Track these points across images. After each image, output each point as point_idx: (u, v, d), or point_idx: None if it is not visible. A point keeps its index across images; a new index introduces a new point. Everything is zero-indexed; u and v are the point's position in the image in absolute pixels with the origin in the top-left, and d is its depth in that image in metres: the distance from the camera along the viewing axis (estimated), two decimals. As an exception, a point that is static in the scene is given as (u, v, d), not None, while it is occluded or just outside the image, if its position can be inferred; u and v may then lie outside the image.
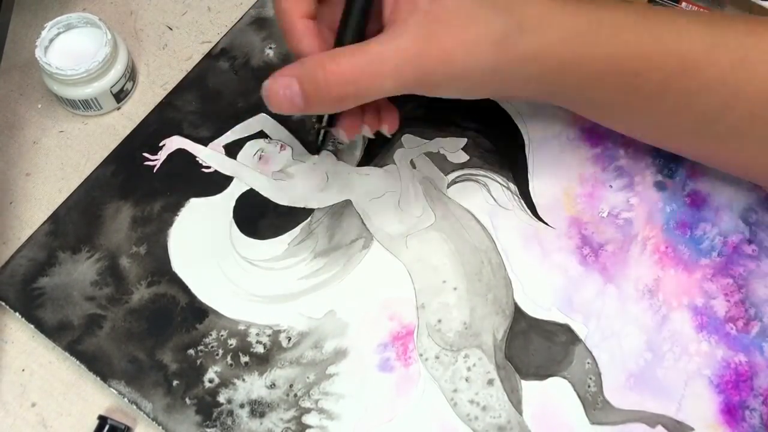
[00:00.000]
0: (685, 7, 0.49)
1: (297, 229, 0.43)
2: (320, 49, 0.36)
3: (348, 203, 0.44)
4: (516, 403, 0.39)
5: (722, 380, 0.40)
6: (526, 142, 0.46)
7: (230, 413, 0.38)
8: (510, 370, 0.40)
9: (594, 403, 0.39)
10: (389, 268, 0.42)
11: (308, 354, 0.40)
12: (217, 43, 0.49)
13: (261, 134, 0.46)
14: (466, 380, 0.39)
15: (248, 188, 0.44)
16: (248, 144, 0.46)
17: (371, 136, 0.40)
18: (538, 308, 0.41)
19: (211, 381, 0.39)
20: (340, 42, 0.36)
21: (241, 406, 0.39)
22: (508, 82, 0.37)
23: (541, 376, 0.40)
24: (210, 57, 0.49)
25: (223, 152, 0.45)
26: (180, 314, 0.41)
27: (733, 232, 0.43)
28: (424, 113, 0.46)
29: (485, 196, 0.44)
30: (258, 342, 0.40)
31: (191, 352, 0.40)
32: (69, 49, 0.46)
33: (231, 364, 0.40)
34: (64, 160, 0.46)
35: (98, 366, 0.39)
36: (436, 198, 0.44)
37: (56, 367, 0.40)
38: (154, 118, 0.46)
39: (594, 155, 0.46)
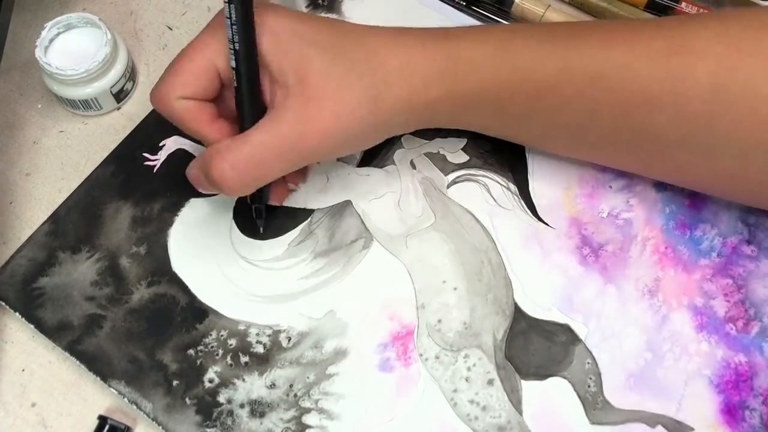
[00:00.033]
0: (684, 7, 0.49)
1: (297, 230, 0.43)
2: (219, 135, 0.37)
3: (348, 203, 0.44)
4: (516, 403, 0.39)
5: (722, 380, 0.40)
6: (526, 142, 0.46)
7: (230, 413, 0.38)
8: (510, 370, 0.40)
9: (594, 403, 0.39)
10: (389, 268, 0.42)
11: (308, 354, 0.40)
12: (217, 43, 0.49)
13: (261, 134, 0.46)
14: (466, 380, 0.39)
15: (248, 188, 0.44)
16: (248, 144, 0.46)
17: (296, 189, 0.43)
18: (538, 308, 0.41)
19: (211, 381, 0.39)
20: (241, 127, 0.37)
21: (241, 406, 0.39)
22: (390, 130, 0.39)
23: (541, 376, 0.40)
24: (210, 57, 0.49)
25: (223, 152, 0.45)
26: (180, 314, 0.41)
27: (732, 233, 0.44)
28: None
29: (485, 196, 0.44)
30: (258, 342, 0.40)
31: (191, 352, 0.40)
32: (69, 49, 0.45)
33: (231, 364, 0.40)
34: (64, 160, 0.46)
35: (98, 366, 0.39)
36: (436, 198, 0.44)
37: (56, 367, 0.40)
38: (154, 118, 0.46)
39: (594, 155, 0.46)
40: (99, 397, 0.40)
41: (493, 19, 0.50)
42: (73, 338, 0.40)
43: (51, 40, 0.45)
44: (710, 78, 0.35)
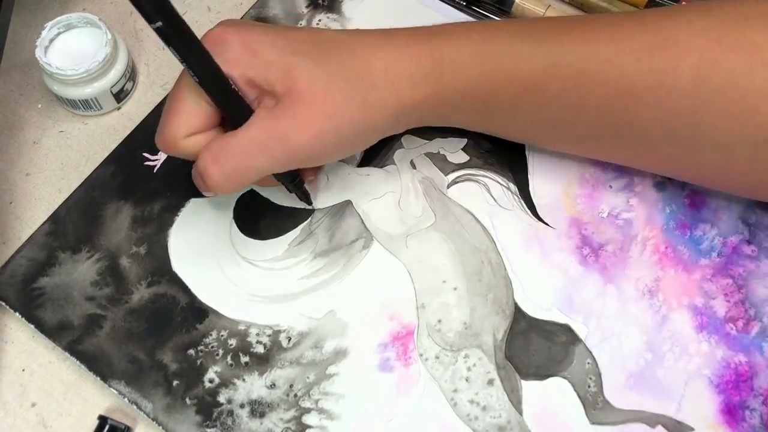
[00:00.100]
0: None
1: (297, 230, 0.43)
2: None
3: (348, 203, 0.44)
4: (516, 403, 0.39)
5: (722, 380, 0.40)
6: (526, 142, 0.46)
7: (230, 413, 0.38)
8: (510, 370, 0.40)
9: (594, 403, 0.39)
10: (389, 268, 0.42)
11: (308, 354, 0.40)
12: (217, 43, 0.49)
13: (261, 134, 0.46)
14: (466, 380, 0.39)
15: (248, 188, 0.44)
16: (248, 144, 0.46)
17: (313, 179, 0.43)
18: (538, 308, 0.41)
19: (211, 381, 0.39)
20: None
21: (241, 406, 0.39)
22: (380, 131, 0.39)
23: (541, 376, 0.40)
24: (210, 57, 0.49)
25: (223, 152, 0.45)
26: (180, 314, 0.41)
27: (733, 233, 0.44)
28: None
29: (485, 196, 0.44)
30: (258, 342, 0.40)
31: (191, 352, 0.40)
32: (69, 49, 0.45)
33: (231, 364, 0.40)
34: (64, 160, 0.46)
35: (98, 366, 0.39)
36: (436, 198, 0.44)
37: (56, 367, 0.40)
38: (154, 118, 0.46)
39: (594, 155, 0.46)
40: (99, 397, 0.40)
41: (494, 19, 0.50)
42: (73, 338, 0.40)
43: (51, 40, 0.45)
44: (693, 71, 0.35)
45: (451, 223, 0.43)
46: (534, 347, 0.40)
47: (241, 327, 0.40)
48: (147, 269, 0.42)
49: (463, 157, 0.45)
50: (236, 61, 0.35)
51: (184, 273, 0.42)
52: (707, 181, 0.42)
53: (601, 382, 0.40)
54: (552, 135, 0.41)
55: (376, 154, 0.45)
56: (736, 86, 0.35)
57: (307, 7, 0.51)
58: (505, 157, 0.45)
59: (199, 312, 0.41)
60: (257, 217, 0.43)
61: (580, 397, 0.39)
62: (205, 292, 0.41)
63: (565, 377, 0.40)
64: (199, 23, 0.51)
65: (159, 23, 0.31)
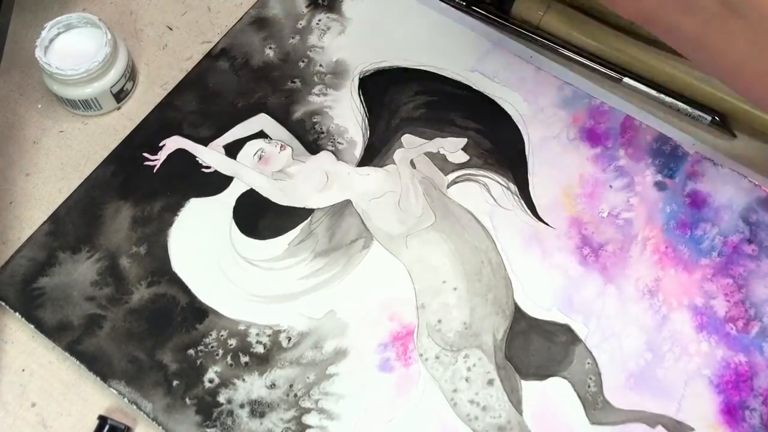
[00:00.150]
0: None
1: (297, 229, 0.43)
2: None
3: (348, 203, 0.44)
4: (516, 403, 0.39)
5: (722, 380, 0.40)
6: (526, 142, 0.46)
7: (230, 413, 0.38)
8: (510, 370, 0.40)
9: (594, 403, 0.39)
10: (389, 268, 0.42)
11: (308, 354, 0.40)
12: (217, 43, 0.49)
13: (261, 134, 0.46)
14: (466, 380, 0.39)
15: (248, 188, 0.44)
16: (248, 144, 0.46)
17: None
18: (538, 308, 0.41)
19: (211, 381, 0.39)
20: None
21: (241, 406, 0.39)
22: None
23: (541, 376, 0.40)
24: (210, 57, 0.49)
25: (223, 152, 0.45)
26: (180, 314, 0.41)
27: (733, 232, 0.44)
28: (424, 113, 0.46)
29: (485, 196, 0.44)
30: (258, 342, 0.40)
31: (191, 352, 0.40)
32: (69, 49, 0.45)
33: (231, 364, 0.40)
34: (64, 160, 0.46)
35: (98, 366, 0.39)
36: (436, 198, 0.44)
37: (56, 367, 0.40)
38: (154, 118, 0.46)
39: (594, 155, 0.46)
40: (99, 397, 0.40)
41: (493, 19, 0.50)
42: (73, 338, 0.40)
43: (51, 40, 0.45)
44: None
45: (451, 223, 0.43)
46: (534, 347, 0.40)
47: (241, 327, 0.40)
48: (147, 269, 0.42)
49: (463, 157, 0.45)
50: None
51: (184, 273, 0.42)
52: None
53: (601, 382, 0.39)
54: None
55: (376, 154, 0.45)
56: None
57: (307, 6, 0.51)
58: (505, 157, 0.45)
59: (199, 312, 0.41)
60: (257, 217, 0.43)
61: (580, 397, 0.39)
62: (205, 292, 0.41)
63: (565, 377, 0.40)
64: (199, 23, 0.51)
65: None
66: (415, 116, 0.46)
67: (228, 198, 0.44)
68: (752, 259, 0.43)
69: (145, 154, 0.45)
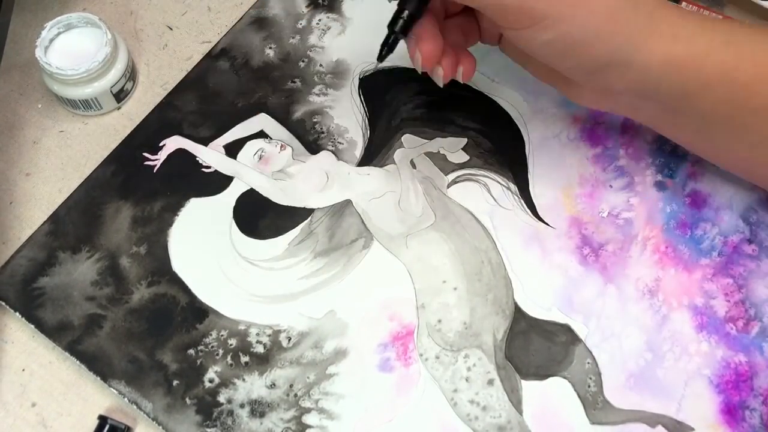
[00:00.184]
0: (684, 6, 0.49)
1: (297, 229, 0.43)
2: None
3: (348, 203, 0.44)
4: (516, 403, 0.39)
5: (722, 380, 0.40)
6: (526, 142, 0.46)
7: (230, 413, 0.38)
8: (510, 370, 0.40)
9: (594, 403, 0.39)
10: (389, 268, 0.42)
11: (308, 354, 0.40)
12: (217, 43, 0.49)
13: (261, 134, 0.46)
14: (466, 380, 0.39)
15: (248, 188, 0.44)
16: (248, 144, 0.46)
17: (441, 84, 0.40)
18: (538, 308, 0.41)
19: (211, 381, 0.39)
20: None
21: (242, 406, 0.39)
22: (606, 68, 0.36)
23: (541, 376, 0.40)
24: (210, 57, 0.49)
25: (223, 152, 0.45)
26: (180, 314, 0.41)
27: (734, 232, 0.43)
28: (424, 113, 0.46)
29: (485, 196, 0.44)
30: (258, 342, 0.40)
31: (191, 352, 0.40)
32: (69, 49, 0.46)
33: (231, 364, 0.40)
34: (64, 160, 0.46)
35: (98, 366, 0.39)
36: (436, 198, 0.44)
37: (56, 367, 0.40)
38: (154, 118, 0.46)
39: (594, 155, 0.46)
40: (99, 397, 0.40)
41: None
42: (73, 338, 0.40)
43: (51, 40, 0.45)
44: None
45: (451, 223, 0.43)
46: (534, 347, 0.40)
47: (241, 327, 0.40)
48: (147, 269, 0.42)
49: (463, 157, 0.45)
50: None
51: (184, 273, 0.42)
52: None
53: (601, 382, 0.39)
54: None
55: (377, 154, 0.45)
56: None
57: (307, 6, 0.51)
58: (505, 157, 0.45)
59: (199, 312, 0.41)
60: (257, 217, 0.43)
61: (580, 397, 0.39)
62: (205, 292, 0.41)
63: (565, 377, 0.40)
64: (199, 23, 0.51)
65: None
66: (416, 116, 0.46)
67: (228, 198, 0.44)
68: (752, 259, 0.43)
69: (145, 154, 0.45)
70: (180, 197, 0.44)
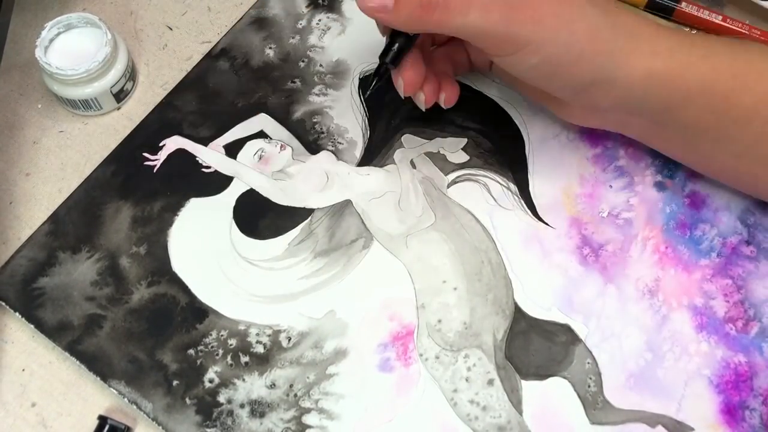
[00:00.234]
0: (685, 6, 0.49)
1: (297, 229, 0.43)
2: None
3: (348, 203, 0.44)
4: (516, 403, 0.39)
5: (722, 380, 0.40)
6: (526, 142, 0.46)
7: (230, 413, 0.38)
8: (510, 370, 0.40)
9: (594, 403, 0.39)
10: (389, 268, 0.42)
11: (308, 354, 0.40)
12: (217, 43, 0.49)
13: (261, 134, 0.46)
14: (466, 380, 0.39)
15: (248, 188, 0.44)
16: (248, 144, 0.46)
17: (423, 109, 0.41)
18: (538, 308, 0.41)
19: (211, 381, 0.39)
20: None
21: (241, 406, 0.39)
22: (591, 86, 0.37)
23: (541, 376, 0.40)
24: (210, 57, 0.49)
25: (223, 152, 0.45)
26: (180, 314, 0.41)
27: (732, 234, 0.44)
28: (424, 113, 0.46)
29: (485, 196, 0.44)
30: (258, 342, 0.40)
31: (191, 352, 0.40)
32: (69, 49, 0.46)
33: (231, 364, 0.40)
34: (64, 160, 0.46)
35: (98, 366, 0.39)
36: (436, 198, 0.44)
37: (56, 367, 0.40)
38: (154, 118, 0.46)
39: (594, 155, 0.46)
40: (99, 397, 0.40)
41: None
42: (73, 338, 0.40)
43: (51, 40, 0.45)
44: None
45: (451, 223, 0.43)
46: (534, 347, 0.40)
47: (241, 327, 0.40)
48: (147, 269, 0.42)
49: (463, 157, 0.45)
50: None
51: (184, 273, 0.42)
52: None
53: (601, 382, 0.40)
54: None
55: (376, 154, 0.45)
56: None
57: (307, 6, 0.51)
58: (505, 157, 0.45)
59: (199, 312, 0.41)
60: (257, 217, 0.43)
61: (580, 397, 0.39)
62: (205, 292, 0.41)
63: (565, 377, 0.40)
64: (199, 23, 0.51)
65: None
66: (415, 116, 0.46)
67: (228, 198, 0.44)
68: (751, 260, 0.43)
69: (145, 154, 0.45)
70: (180, 197, 0.44)
